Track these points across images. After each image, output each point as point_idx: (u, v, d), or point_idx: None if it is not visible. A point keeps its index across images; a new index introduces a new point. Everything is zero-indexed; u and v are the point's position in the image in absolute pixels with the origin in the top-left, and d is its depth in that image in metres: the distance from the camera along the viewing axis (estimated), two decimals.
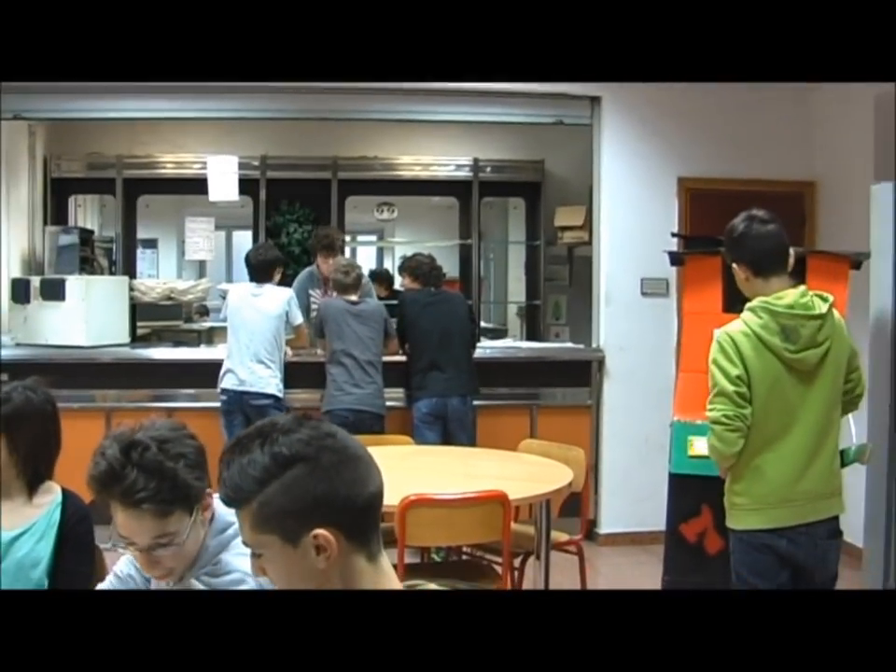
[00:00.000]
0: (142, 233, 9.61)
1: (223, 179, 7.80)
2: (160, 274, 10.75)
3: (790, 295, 3.61)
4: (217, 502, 2.43)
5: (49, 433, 3.27)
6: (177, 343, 7.27)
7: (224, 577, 2.26)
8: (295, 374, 6.48)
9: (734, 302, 4.18)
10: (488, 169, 9.38)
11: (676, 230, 6.78)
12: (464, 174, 9.39)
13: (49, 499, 3.27)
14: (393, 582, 1.77)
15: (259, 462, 1.72)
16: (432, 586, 1.82)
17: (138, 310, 7.48)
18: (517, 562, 4.94)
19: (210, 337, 8.14)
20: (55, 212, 8.74)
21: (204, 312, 8.89)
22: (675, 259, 5.52)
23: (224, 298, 6.80)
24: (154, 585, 2.53)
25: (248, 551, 2.28)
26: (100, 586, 2.61)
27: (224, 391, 6.23)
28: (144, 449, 2.31)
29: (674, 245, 6.03)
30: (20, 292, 6.98)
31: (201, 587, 2.25)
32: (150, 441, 2.31)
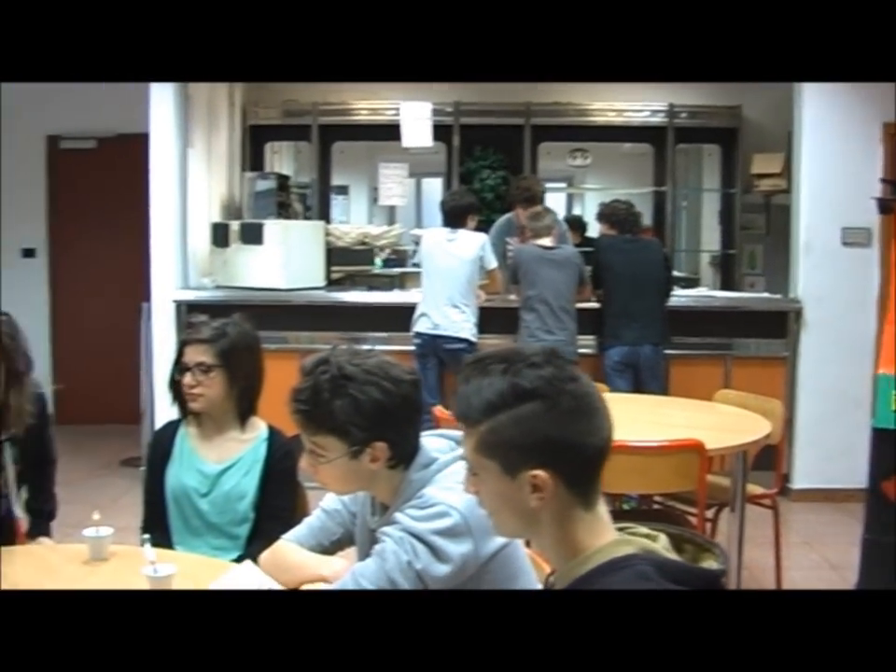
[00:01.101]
0: (334, 180, 9.78)
1: (417, 125, 7.86)
2: (351, 220, 10.93)
3: None
4: (426, 438, 2.47)
5: (259, 368, 3.38)
6: (371, 288, 7.38)
7: (428, 510, 2.30)
8: (488, 319, 6.52)
9: None
10: (683, 115, 9.18)
11: (881, 177, 6.53)
12: (658, 119, 9.22)
13: (255, 435, 3.38)
14: (608, 530, 1.75)
15: (498, 387, 1.71)
16: (643, 530, 1.81)
17: (332, 254, 7.62)
18: (710, 513, 4.88)
19: (402, 282, 8.24)
20: (252, 159, 8.96)
21: (396, 257, 8.99)
22: (883, 206, 5.32)
23: (417, 243, 6.88)
24: (359, 521, 2.59)
25: (452, 485, 2.34)
26: (307, 521, 2.68)
27: (418, 335, 6.32)
28: (323, 371, 2.35)
29: (878, 193, 5.82)
30: (220, 236, 7.20)
31: (407, 521, 2.30)
32: (335, 368, 2.35)
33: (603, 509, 1.77)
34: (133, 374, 7.80)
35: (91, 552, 2.86)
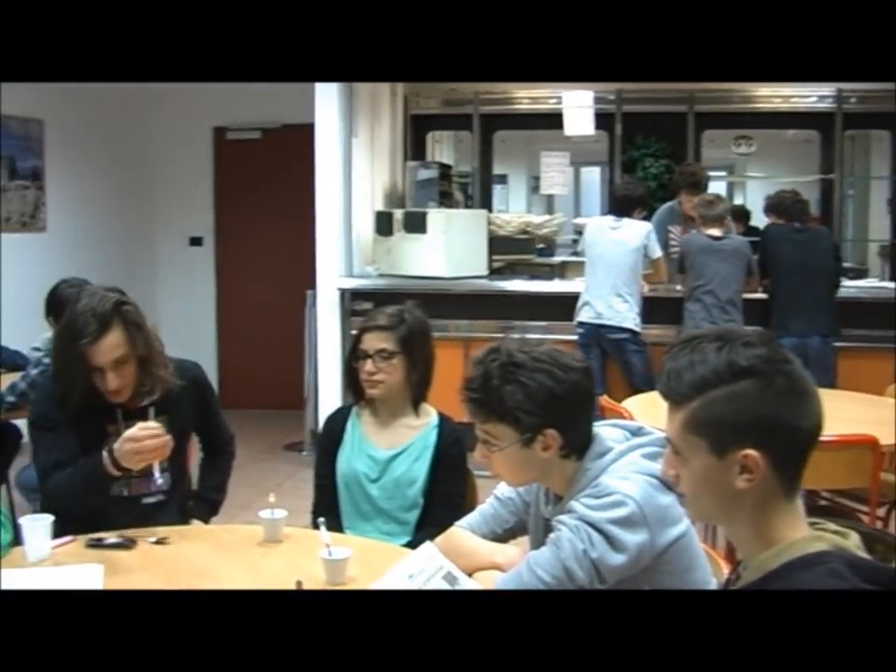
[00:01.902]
0: (494, 169, 9.77)
1: (579, 114, 7.82)
2: (510, 209, 10.92)
3: None
4: (600, 428, 2.45)
5: (432, 354, 3.40)
6: (532, 277, 7.36)
7: (604, 498, 2.28)
8: (651, 309, 6.44)
9: None
10: (852, 100, 8.88)
11: None
12: (826, 105, 8.94)
13: (426, 421, 3.40)
14: (803, 523, 1.68)
15: (712, 364, 1.67)
16: (833, 526, 1.76)
17: (493, 243, 7.62)
18: (881, 511, 4.73)
19: (563, 271, 8.20)
20: (414, 148, 9.02)
21: (546, 246, 8.92)
22: None
23: (579, 233, 6.83)
24: (533, 510, 2.59)
25: (628, 474, 2.31)
26: (480, 508, 2.68)
27: (581, 324, 6.28)
28: (493, 359, 2.36)
29: None
30: (383, 225, 7.28)
31: (583, 509, 2.28)
32: (505, 356, 2.35)
33: (800, 502, 1.71)
34: (297, 360, 7.95)
35: (266, 533, 2.91)
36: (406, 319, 3.34)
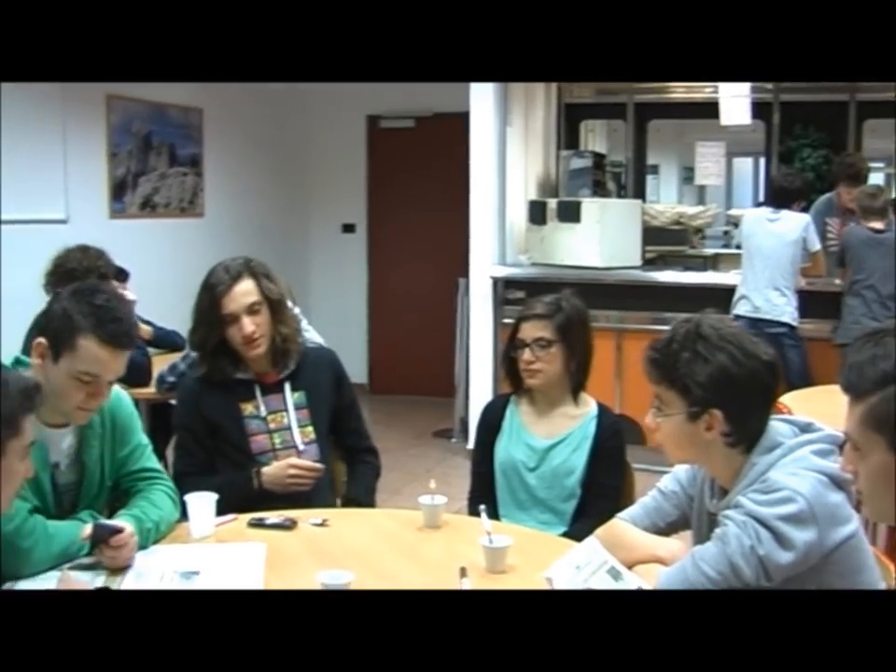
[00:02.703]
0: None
1: (735, 103, 7.64)
2: (660, 199, 10.77)
3: None
4: (774, 423, 2.38)
5: (590, 343, 3.36)
6: (685, 268, 7.24)
7: (773, 494, 2.21)
8: (808, 304, 6.26)
9: None
10: None
11: None
12: None
13: (585, 411, 3.36)
14: None
15: (894, 359, 1.64)
16: None
17: (646, 234, 7.51)
18: None
19: (716, 262, 8.04)
20: (568, 137, 8.95)
21: (702, 237, 8.76)
22: None
23: (735, 224, 6.68)
24: (696, 504, 2.52)
25: (797, 470, 2.24)
26: (642, 501, 2.63)
27: (738, 317, 6.13)
28: (683, 326, 2.31)
29: None
30: (537, 214, 7.24)
31: (751, 505, 2.21)
32: (694, 325, 2.30)
33: None
34: (447, 348, 7.98)
35: (426, 519, 2.91)
36: (563, 307, 3.31)
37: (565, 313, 3.29)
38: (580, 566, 2.26)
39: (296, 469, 3.22)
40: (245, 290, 3.28)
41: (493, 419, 3.44)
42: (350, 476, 3.58)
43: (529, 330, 3.31)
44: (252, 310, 3.28)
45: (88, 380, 2.56)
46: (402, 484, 6.31)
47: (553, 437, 3.33)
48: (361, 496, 3.49)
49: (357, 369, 8.15)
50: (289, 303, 3.47)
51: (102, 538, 2.52)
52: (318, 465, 3.26)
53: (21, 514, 2.49)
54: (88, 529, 2.53)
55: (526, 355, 3.29)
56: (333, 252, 9.67)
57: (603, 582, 2.21)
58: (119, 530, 2.53)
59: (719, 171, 8.18)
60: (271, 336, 3.33)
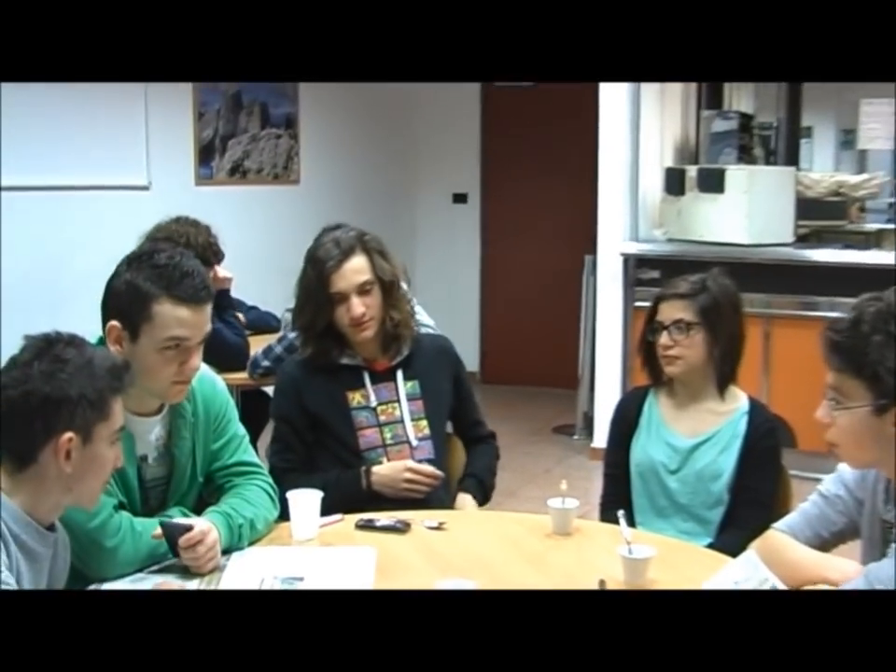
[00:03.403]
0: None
1: None
2: (814, 167, 10.55)
3: None
4: None
5: (741, 329, 3.30)
6: (845, 246, 7.07)
7: None
8: None
9: None
10: None
11: None
12: None
13: (735, 407, 3.31)
14: None
15: None
16: None
17: (798, 206, 7.34)
18: None
19: (879, 240, 7.85)
20: (709, 95, 8.81)
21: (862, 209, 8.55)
22: None
23: None
24: (867, 510, 2.47)
25: None
26: (801, 507, 2.58)
27: None
28: (871, 304, 2.23)
29: None
30: (674, 183, 7.14)
31: None
32: (885, 304, 2.23)
33: None
34: (570, 334, 7.95)
35: (555, 524, 2.90)
36: (709, 287, 3.26)
37: (710, 293, 3.25)
38: (738, 581, 2.22)
39: (413, 473, 3.23)
40: (357, 268, 3.29)
41: (629, 414, 3.41)
42: (469, 454, 3.59)
43: (668, 311, 3.27)
44: (363, 290, 3.29)
45: (175, 348, 2.57)
46: (518, 486, 6.31)
47: (698, 435, 3.29)
48: (481, 471, 3.51)
49: (467, 355, 8.03)
50: (403, 285, 3.47)
51: (172, 537, 2.55)
52: (438, 472, 3.27)
53: (106, 510, 2.54)
54: (158, 529, 2.56)
55: (664, 339, 3.26)
56: (443, 224, 9.69)
57: None
58: (188, 528, 2.55)
59: (888, 133, 7.98)
60: (381, 319, 3.35)
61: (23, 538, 2.14)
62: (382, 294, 3.34)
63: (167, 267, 2.59)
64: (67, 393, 2.12)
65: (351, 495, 3.19)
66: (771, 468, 3.27)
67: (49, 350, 2.16)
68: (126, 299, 2.58)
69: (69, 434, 2.13)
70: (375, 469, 3.25)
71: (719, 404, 3.30)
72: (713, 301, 3.24)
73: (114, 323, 2.58)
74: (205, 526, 2.59)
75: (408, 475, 3.23)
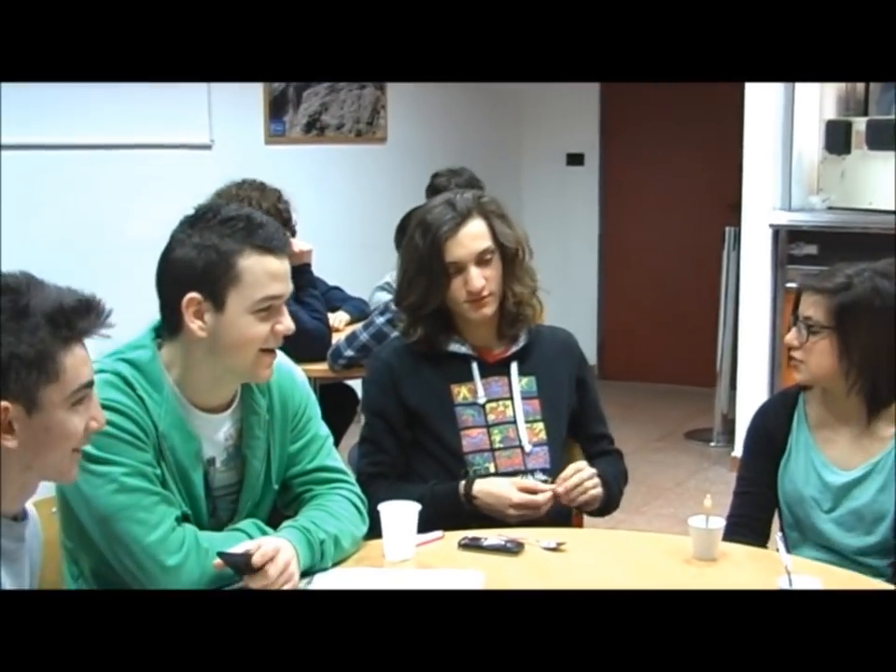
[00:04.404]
0: None
1: None
2: None
3: None
4: None
5: (887, 339, 3.11)
6: None
7: None
8: None
9: None
10: None
11: None
12: None
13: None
14: None
15: None
16: None
17: None
18: None
19: None
20: None
21: None
22: None
23: None
24: None
25: None
26: None
27: None
28: None
29: None
30: (837, 139, 7.03)
31: None
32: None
33: None
34: (707, 321, 7.89)
35: (697, 548, 2.85)
36: (854, 284, 3.11)
37: (854, 291, 3.10)
38: None
39: (519, 509, 3.16)
40: (476, 233, 3.28)
41: (773, 427, 3.30)
42: (596, 461, 3.49)
43: (804, 305, 3.18)
44: (482, 259, 3.27)
45: (268, 310, 2.58)
46: (644, 501, 6.26)
47: (853, 469, 3.17)
48: (610, 476, 3.41)
49: (583, 345, 8.04)
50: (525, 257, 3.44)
51: (236, 566, 2.50)
52: (548, 493, 3.17)
53: (167, 522, 2.54)
54: (217, 561, 2.54)
55: (790, 336, 3.20)
56: (555, 189, 9.67)
57: None
58: (249, 556, 2.49)
59: None
60: (501, 295, 3.34)
61: None
62: (503, 265, 3.32)
63: (239, 218, 2.59)
64: None
65: (449, 510, 3.17)
66: None
67: None
68: (202, 264, 2.55)
69: (4, 403, 2.00)
70: (477, 487, 3.19)
71: (881, 427, 3.17)
72: (855, 302, 3.09)
73: (193, 295, 2.56)
74: (277, 544, 2.56)
75: (512, 512, 3.15)
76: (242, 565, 2.47)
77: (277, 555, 2.53)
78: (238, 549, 2.52)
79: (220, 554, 2.50)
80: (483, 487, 3.19)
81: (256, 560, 2.48)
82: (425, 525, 2.90)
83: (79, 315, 2.08)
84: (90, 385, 2.14)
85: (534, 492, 3.16)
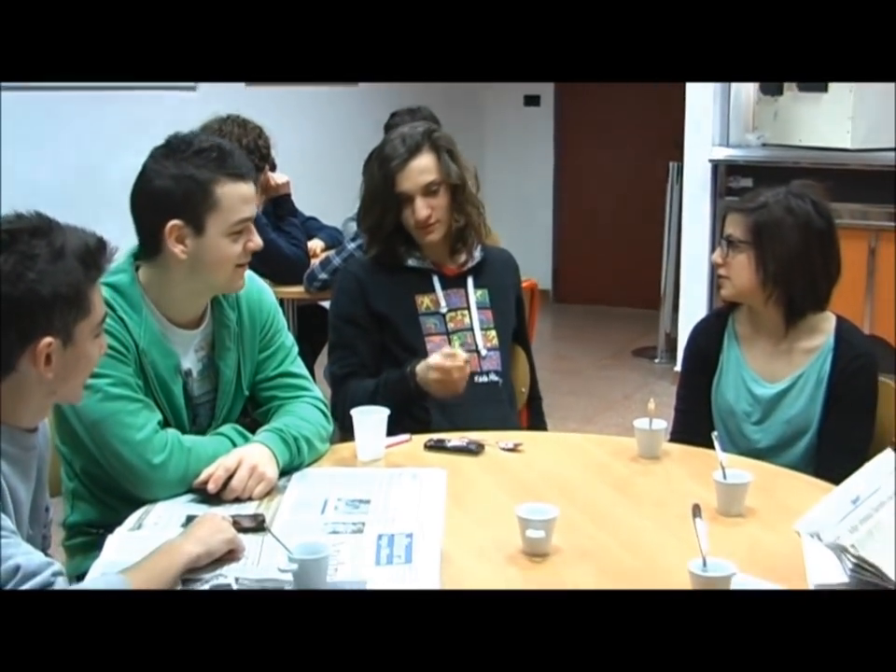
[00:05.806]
0: None
1: None
2: None
3: None
4: None
5: (814, 254, 3.13)
6: None
7: None
8: None
9: None
10: None
11: None
12: None
13: (819, 343, 3.18)
14: None
15: None
16: None
17: None
18: None
19: None
20: None
21: None
22: None
23: None
24: None
25: None
26: None
27: None
28: None
29: None
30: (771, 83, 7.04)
31: None
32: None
33: None
34: (652, 249, 7.91)
35: (642, 447, 2.89)
36: (768, 203, 3.11)
37: (769, 209, 3.10)
38: (859, 497, 2.18)
39: (438, 372, 3.15)
40: (423, 167, 3.34)
41: (706, 346, 3.32)
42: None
43: (727, 225, 3.19)
44: (428, 191, 3.34)
45: (242, 229, 2.64)
46: (595, 413, 6.29)
47: (778, 381, 3.19)
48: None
49: (539, 272, 8.07)
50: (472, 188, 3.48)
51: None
52: (462, 355, 3.17)
53: (150, 425, 2.59)
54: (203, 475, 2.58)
55: (715, 255, 3.22)
56: (513, 129, 9.64)
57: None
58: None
59: None
60: (448, 222, 3.39)
61: (8, 449, 2.12)
62: (450, 195, 3.38)
63: (212, 149, 2.64)
64: (40, 294, 2.02)
65: (398, 388, 3.24)
66: (863, 412, 3.13)
67: (12, 245, 2.03)
68: (182, 192, 2.59)
69: (48, 339, 2.04)
70: (418, 367, 3.21)
71: (802, 339, 3.18)
72: (769, 218, 3.09)
73: (175, 222, 2.59)
74: (232, 461, 2.59)
75: (434, 375, 3.16)
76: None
77: (240, 467, 2.58)
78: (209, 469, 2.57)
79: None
80: (419, 366, 3.22)
81: (210, 488, 2.54)
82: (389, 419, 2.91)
83: (101, 254, 2.15)
84: (106, 317, 2.23)
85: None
